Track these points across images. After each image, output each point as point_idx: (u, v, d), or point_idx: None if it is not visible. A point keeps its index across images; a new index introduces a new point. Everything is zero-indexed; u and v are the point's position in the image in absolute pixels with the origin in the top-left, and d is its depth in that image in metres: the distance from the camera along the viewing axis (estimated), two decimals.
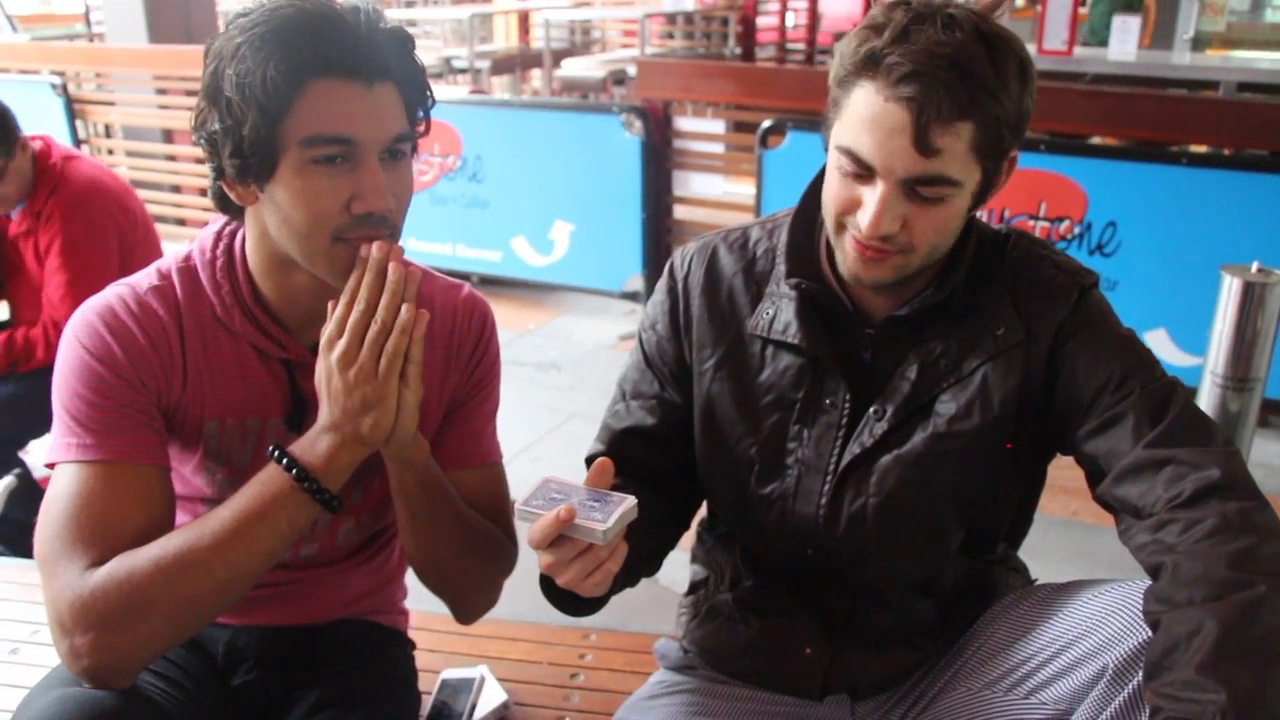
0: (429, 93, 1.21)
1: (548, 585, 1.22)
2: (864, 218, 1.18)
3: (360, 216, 1.15)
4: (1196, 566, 1.05)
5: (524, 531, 1.12)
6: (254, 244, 1.24)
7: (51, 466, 1.21)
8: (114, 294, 1.24)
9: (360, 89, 1.12)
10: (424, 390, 1.28)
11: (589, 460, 1.38)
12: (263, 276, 1.26)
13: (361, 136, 1.13)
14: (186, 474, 1.33)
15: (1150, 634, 1.08)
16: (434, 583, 1.39)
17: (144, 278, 1.27)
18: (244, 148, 1.12)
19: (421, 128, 1.22)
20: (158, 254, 2.77)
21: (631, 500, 1.09)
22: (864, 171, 1.17)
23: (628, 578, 1.28)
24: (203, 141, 1.17)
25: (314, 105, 1.10)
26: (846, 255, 1.24)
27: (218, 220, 1.30)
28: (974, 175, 1.18)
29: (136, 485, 1.19)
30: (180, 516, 1.28)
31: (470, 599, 1.44)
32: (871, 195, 1.17)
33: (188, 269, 1.28)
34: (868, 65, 1.14)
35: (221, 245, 1.28)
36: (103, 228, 2.71)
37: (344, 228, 1.15)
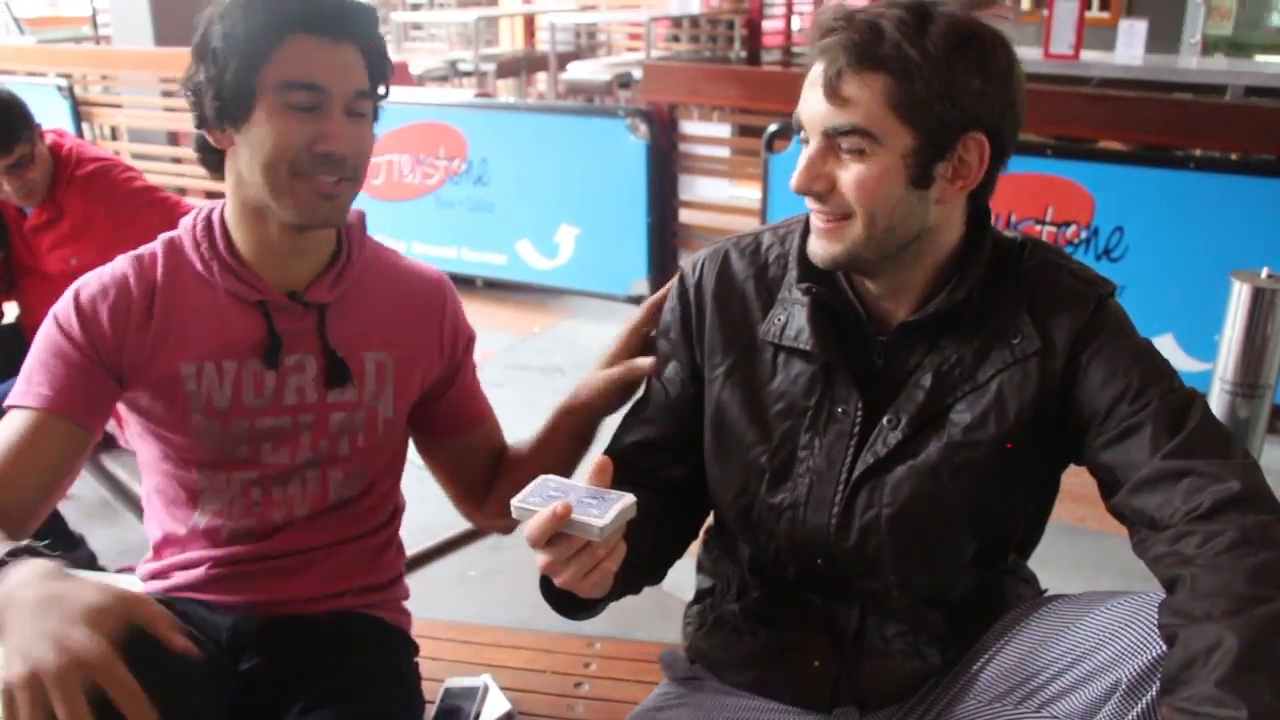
0: (388, 61, 1.37)
1: (546, 586, 1.21)
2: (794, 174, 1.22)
3: (320, 156, 1.29)
4: (1215, 580, 1.04)
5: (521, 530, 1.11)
6: (231, 193, 1.38)
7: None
8: (103, 269, 1.40)
9: (330, 44, 1.29)
10: (400, 353, 1.48)
11: None
12: (238, 226, 1.39)
13: (329, 85, 1.29)
14: (170, 435, 1.40)
15: (1165, 648, 1.06)
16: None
17: (127, 256, 1.42)
18: (224, 91, 1.28)
19: (381, 90, 1.37)
20: None
21: (630, 498, 1.08)
22: (805, 137, 1.22)
23: (629, 584, 1.27)
24: (189, 93, 1.34)
25: (290, 55, 1.27)
26: (811, 235, 1.27)
27: (204, 205, 1.45)
28: (900, 138, 1.17)
29: (41, 430, 1.31)
30: (173, 489, 1.43)
31: None
32: (804, 153, 1.22)
33: (172, 240, 1.43)
34: (810, 34, 1.21)
35: (203, 214, 1.43)
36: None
37: (303, 163, 1.29)
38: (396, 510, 1.59)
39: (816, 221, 1.25)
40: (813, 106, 1.20)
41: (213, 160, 1.39)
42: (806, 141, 1.23)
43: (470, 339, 1.58)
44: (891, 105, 1.16)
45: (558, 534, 1.06)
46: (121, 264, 1.40)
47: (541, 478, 1.11)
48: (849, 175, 1.19)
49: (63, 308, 1.37)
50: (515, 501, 1.08)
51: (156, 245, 1.43)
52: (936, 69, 1.15)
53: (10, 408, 1.33)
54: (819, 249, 1.26)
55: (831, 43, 1.17)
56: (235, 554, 1.44)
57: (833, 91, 1.17)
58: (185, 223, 1.43)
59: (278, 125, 1.28)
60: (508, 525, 1.54)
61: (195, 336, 1.38)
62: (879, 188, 1.19)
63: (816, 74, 1.19)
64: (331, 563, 1.48)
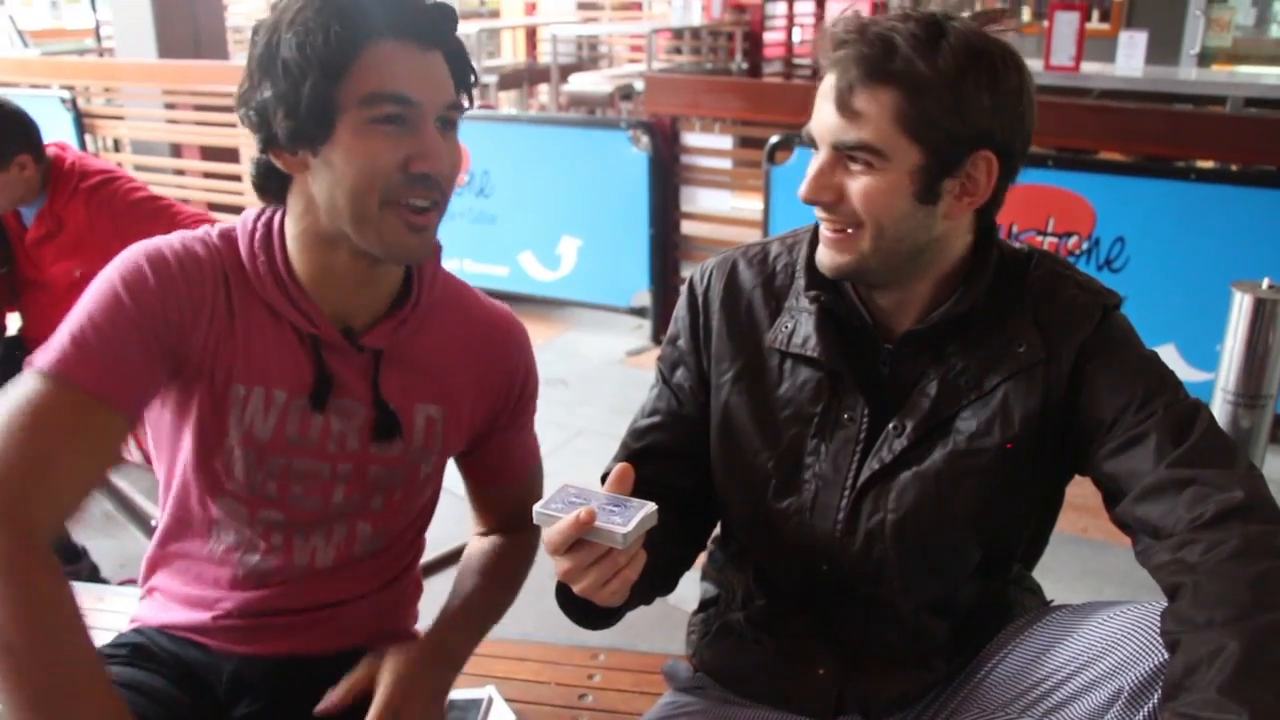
0: (473, 69, 1.26)
1: (563, 594, 1.20)
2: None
3: (415, 176, 1.17)
4: (1218, 588, 1.04)
5: (547, 571, 1.11)
6: (296, 219, 1.25)
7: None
8: (163, 239, 1.25)
9: (416, 52, 1.16)
10: (453, 408, 1.36)
11: (604, 479, 1.38)
12: (300, 253, 1.26)
13: (420, 98, 1.16)
14: (198, 451, 1.29)
15: (1167, 656, 1.07)
16: None
17: (191, 235, 1.27)
18: (300, 109, 1.14)
19: (467, 102, 1.25)
20: None
21: (652, 506, 1.07)
22: (815, 147, 1.23)
23: (644, 593, 1.27)
24: (251, 114, 1.19)
25: (374, 64, 1.14)
26: (819, 245, 1.28)
27: (257, 206, 1.31)
28: (907, 153, 1.18)
29: (83, 419, 1.16)
30: (188, 510, 1.32)
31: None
32: (813, 163, 1.23)
33: (228, 236, 1.29)
34: (821, 44, 1.21)
35: (261, 220, 1.29)
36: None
37: (396, 187, 1.17)
38: (415, 559, 1.53)
39: (825, 230, 1.26)
40: (824, 118, 1.20)
41: (274, 186, 1.25)
42: (815, 149, 1.24)
43: (532, 392, 1.47)
44: (900, 121, 1.16)
45: (578, 541, 1.05)
46: (190, 241, 1.25)
47: (562, 485, 1.10)
48: (857, 186, 1.20)
49: (132, 272, 1.20)
50: (537, 508, 1.07)
51: (214, 236, 1.28)
52: (947, 86, 1.15)
53: (51, 373, 1.15)
54: (826, 258, 1.26)
55: (843, 56, 1.17)
56: (247, 603, 1.36)
57: (843, 104, 1.17)
58: (243, 224, 1.29)
59: (366, 145, 1.15)
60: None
61: (251, 355, 1.26)
62: (886, 201, 1.20)
63: (828, 86, 1.19)
64: (349, 618, 1.42)
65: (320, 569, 1.37)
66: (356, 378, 1.31)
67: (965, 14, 1.23)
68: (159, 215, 2.70)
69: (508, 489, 1.52)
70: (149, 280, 1.20)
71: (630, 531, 1.04)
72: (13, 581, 1.07)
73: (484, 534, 1.57)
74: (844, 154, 1.20)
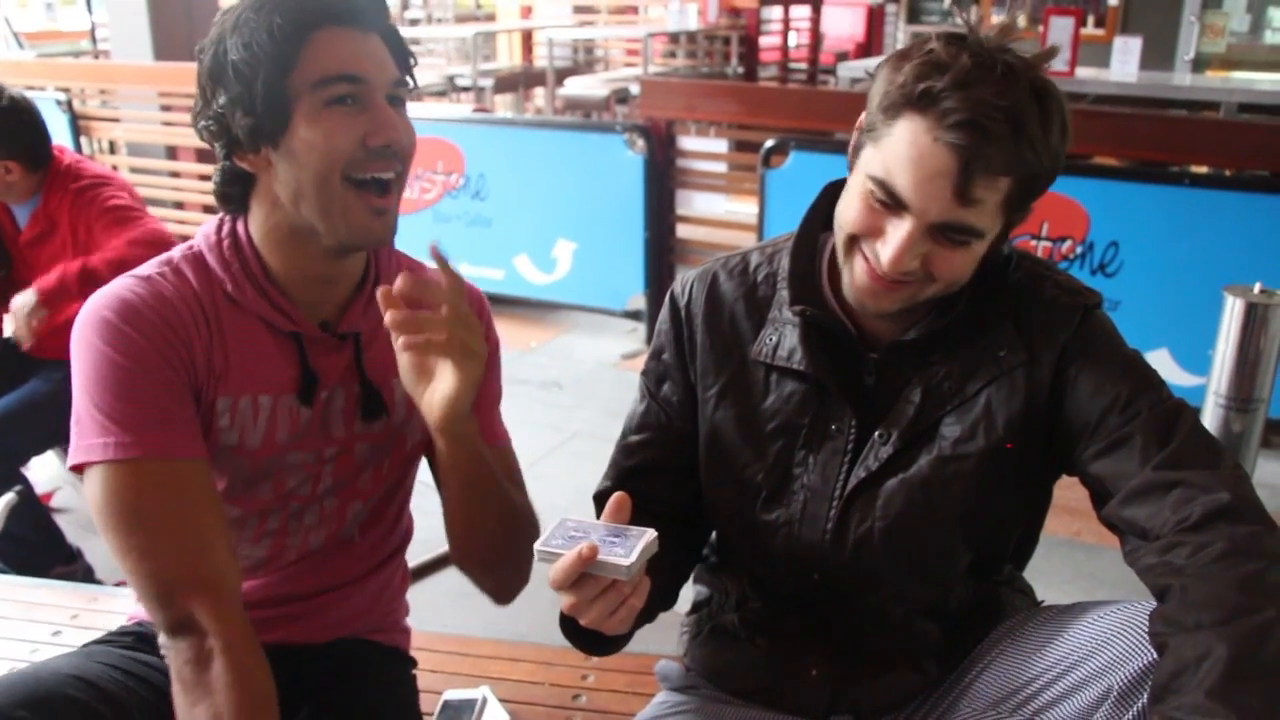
0: (410, 51, 1.30)
1: (568, 625, 1.21)
2: (885, 252, 1.17)
3: (375, 149, 1.21)
4: (1205, 589, 1.05)
5: (542, 570, 1.10)
6: (264, 218, 1.28)
7: (79, 470, 1.21)
8: (121, 286, 1.24)
9: (357, 35, 1.21)
10: None
11: (597, 498, 1.38)
12: (272, 252, 1.29)
13: (368, 75, 1.21)
14: None
15: (1155, 656, 1.07)
16: (477, 563, 1.40)
17: (148, 268, 1.28)
18: (256, 105, 1.18)
19: (410, 81, 1.29)
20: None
21: (652, 533, 1.07)
22: (894, 205, 1.16)
23: (647, 613, 1.26)
24: (209, 124, 1.22)
25: (320, 50, 1.19)
26: (855, 278, 1.23)
27: (215, 217, 1.34)
28: (998, 226, 1.19)
29: (181, 481, 1.21)
30: None
31: (510, 578, 1.43)
32: (897, 230, 1.16)
33: (194, 255, 1.30)
34: (922, 101, 1.11)
35: (226, 228, 1.31)
36: (132, 195, 2.77)
37: (358, 162, 1.21)
38: (403, 542, 1.56)
39: (877, 280, 1.20)
40: (931, 197, 1.13)
41: (236, 193, 1.28)
42: (888, 209, 1.16)
43: (493, 347, 1.45)
44: (1007, 203, 1.16)
45: (583, 575, 1.06)
46: (150, 283, 1.26)
47: (560, 520, 1.10)
48: (946, 263, 1.18)
49: (114, 334, 1.20)
50: (538, 545, 1.07)
51: (176, 259, 1.30)
52: (1054, 164, 1.16)
53: (123, 459, 1.18)
54: (870, 301, 1.23)
55: (969, 140, 1.09)
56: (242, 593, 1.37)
57: (963, 194, 1.12)
58: (206, 237, 1.31)
59: (323, 127, 1.19)
60: (496, 587, 1.45)
61: (235, 366, 1.28)
62: (969, 268, 1.21)
63: (941, 164, 1.11)
64: (341, 607, 1.46)
65: (313, 551, 1.41)
66: (339, 365, 1.34)
67: (1022, 40, 1.16)
68: (125, 224, 2.70)
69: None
70: (135, 338, 1.20)
71: (634, 563, 1.04)
72: (231, 668, 1.16)
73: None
74: (941, 230, 1.15)
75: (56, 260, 2.71)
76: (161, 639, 1.21)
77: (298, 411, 1.32)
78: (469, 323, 1.17)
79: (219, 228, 1.31)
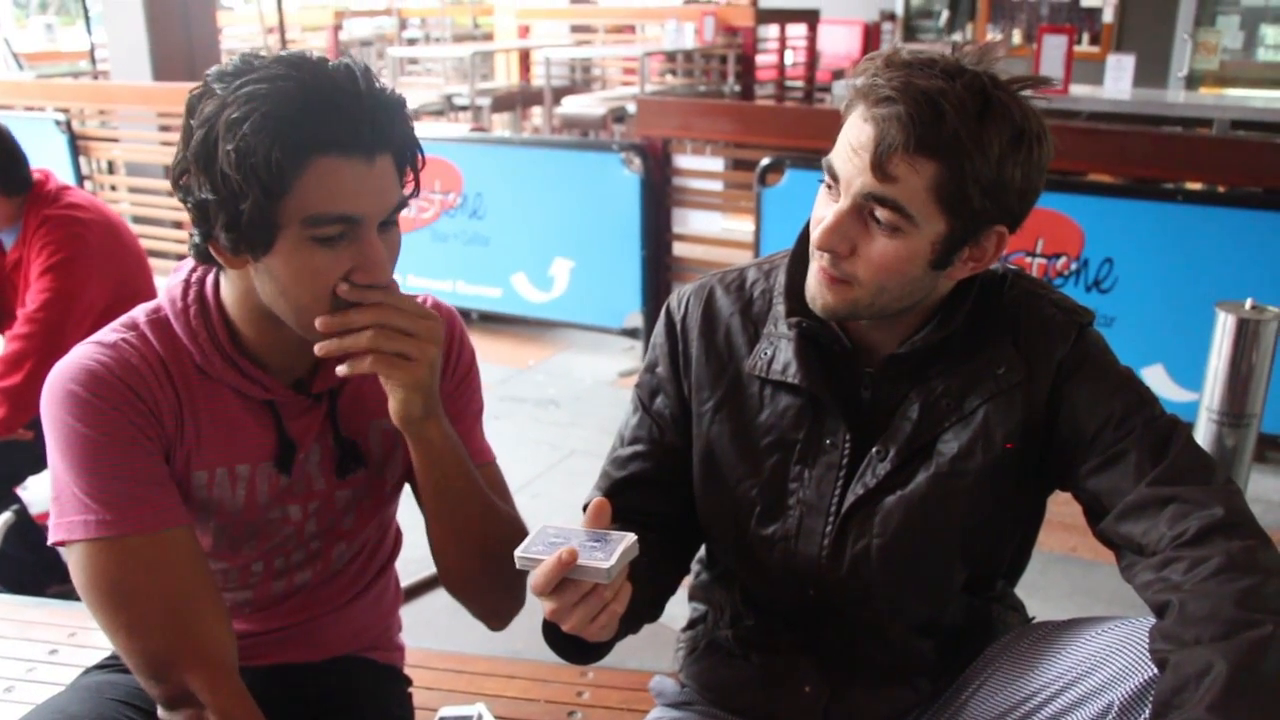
0: (420, 154, 1.20)
1: (551, 633, 1.21)
2: (819, 227, 1.20)
3: (361, 288, 1.14)
4: (1204, 605, 1.05)
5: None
6: (238, 298, 1.22)
7: (61, 544, 1.19)
8: (84, 355, 1.20)
9: (362, 165, 1.10)
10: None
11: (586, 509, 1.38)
12: (244, 322, 1.24)
13: (363, 212, 1.12)
14: None
15: (1156, 672, 1.08)
16: (464, 582, 1.37)
17: (111, 334, 1.23)
18: (240, 223, 1.09)
19: (409, 189, 1.20)
20: (150, 288, 2.75)
21: (632, 537, 1.08)
22: (834, 185, 1.19)
23: (632, 623, 1.26)
24: (190, 205, 1.13)
25: (317, 183, 1.08)
26: (810, 276, 1.25)
27: (183, 266, 1.28)
28: (934, 223, 1.16)
29: (166, 554, 1.19)
30: None
31: (501, 601, 1.40)
32: (832, 207, 1.19)
33: (158, 320, 1.25)
34: (861, 90, 1.15)
35: (192, 294, 1.25)
36: (90, 253, 2.66)
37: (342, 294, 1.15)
38: (393, 554, 1.55)
39: (822, 269, 1.22)
40: (854, 169, 1.15)
41: (214, 261, 1.19)
42: (831, 187, 1.20)
43: (469, 363, 1.41)
44: (936, 192, 1.14)
45: (564, 580, 1.06)
46: (116, 350, 1.21)
47: (541, 526, 1.11)
48: (875, 249, 1.18)
49: (81, 408, 1.16)
50: (518, 552, 1.08)
51: (141, 322, 1.24)
52: (989, 166, 1.13)
53: (105, 536, 1.16)
54: (820, 297, 1.23)
55: (887, 114, 1.11)
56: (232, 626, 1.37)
57: (879, 167, 1.13)
58: (172, 302, 1.25)
59: (308, 261, 1.11)
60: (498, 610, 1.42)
61: (208, 438, 1.25)
62: (901, 267, 1.19)
63: (864, 139, 1.14)
64: (331, 629, 1.45)
65: (299, 588, 1.41)
66: (314, 423, 1.32)
67: (1001, 65, 1.16)
68: (127, 282, 2.68)
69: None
70: (104, 409, 1.17)
71: (613, 566, 1.05)
72: None
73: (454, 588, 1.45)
74: (870, 206, 1.16)
75: (32, 285, 2.69)
76: (160, 712, 1.21)
77: (277, 476, 1.30)
78: (404, 329, 1.15)
79: (185, 291, 1.25)
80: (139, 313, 1.26)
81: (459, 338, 1.40)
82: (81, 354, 1.20)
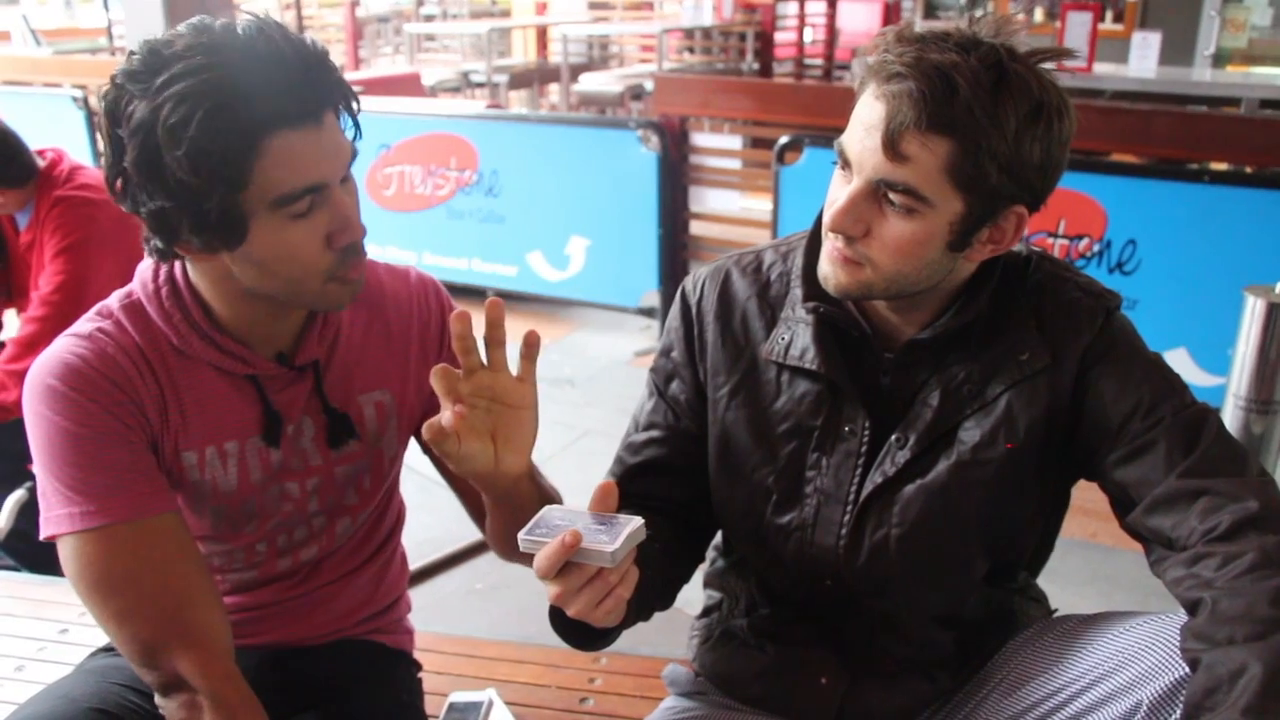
0: (355, 97, 1.18)
1: (557, 618, 1.18)
2: (831, 209, 1.16)
3: (344, 249, 1.17)
4: (1237, 604, 1.02)
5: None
6: (211, 282, 1.22)
7: (52, 539, 1.20)
8: (62, 348, 1.20)
9: (313, 131, 1.10)
10: (399, 385, 1.35)
11: None
12: (221, 302, 1.24)
13: (326, 177, 1.13)
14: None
15: (1186, 671, 1.05)
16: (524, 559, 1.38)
17: (87, 324, 1.23)
18: (208, 222, 1.09)
19: (357, 134, 1.20)
20: None
21: (638, 520, 1.05)
22: (847, 167, 1.16)
23: (641, 610, 1.24)
24: (144, 215, 1.12)
25: (276, 163, 1.08)
26: (823, 254, 1.22)
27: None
28: (950, 203, 1.12)
29: (152, 541, 1.19)
30: None
31: None
32: (845, 190, 1.15)
33: (132, 305, 1.25)
34: (873, 67, 1.12)
35: (163, 275, 1.25)
36: (103, 233, 2.67)
37: (335, 266, 1.17)
38: (397, 524, 1.54)
39: (835, 249, 1.19)
40: (866, 151, 1.12)
41: (166, 252, 1.18)
42: (845, 168, 1.16)
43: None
44: (951, 172, 1.10)
45: (568, 563, 1.03)
46: (93, 342, 1.21)
47: (545, 508, 1.09)
48: (890, 231, 1.14)
49: (62, 403, 1.17)
50: (522, 535, 1.05)
51: (115, 309, 1.24)
52: (1005, 142, 1.09)
53: (92, 527, 1.17)
54: (833, 276, 1.20)
55: (899, 90, 1.08)
56: (236, 603, 1.39)
57: (891, 145, 1.09)
58: (144, 285, 1.25)
59: (287, 239, 1.13)
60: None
61: (193, 419, 1.25)
62: (917, 250, 1.15)
63: (875, 118, 1.10)
64: (335, 602, 1.45)
65: (303, 564, 1.41)
66: (301, 397, 1.31)
67: (1021, 37, 1.12)
68: (137, 259, 2.67)
69: None
70: (83, 403, 1.17)
71: (618, 549, 1.02)
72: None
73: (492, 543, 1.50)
74: (883, 190, 1.12)
75: (45, 266, 2.69)
76: (156, 698, 1.20)
77: (267, 451, 1.30)
78: (501, 398, 1.17)
79: (155, 274, 1.25)
80: (113, 300, 1.26)
81: (447, 309, 1.40)
82: (60, 347, 1.21)
